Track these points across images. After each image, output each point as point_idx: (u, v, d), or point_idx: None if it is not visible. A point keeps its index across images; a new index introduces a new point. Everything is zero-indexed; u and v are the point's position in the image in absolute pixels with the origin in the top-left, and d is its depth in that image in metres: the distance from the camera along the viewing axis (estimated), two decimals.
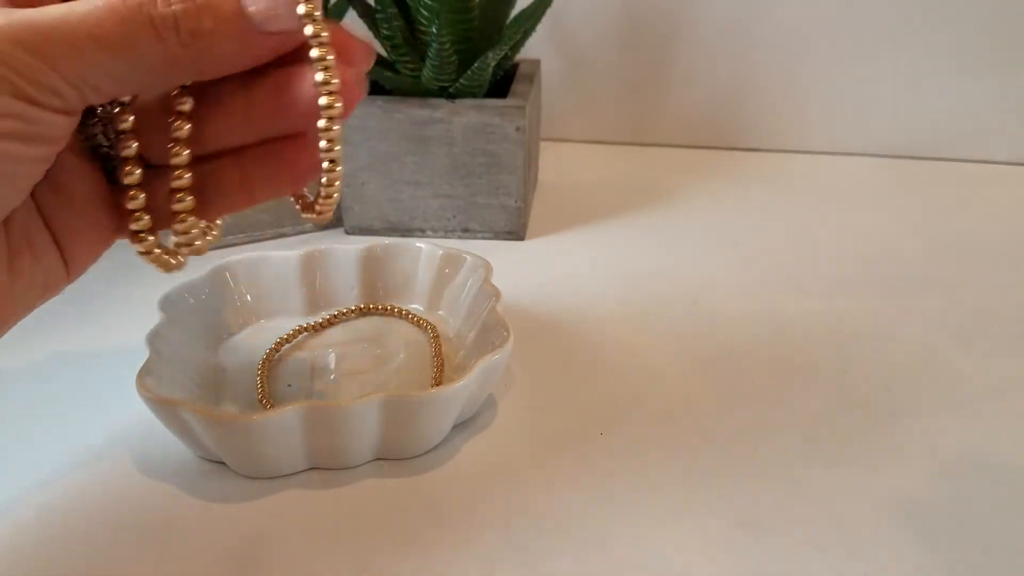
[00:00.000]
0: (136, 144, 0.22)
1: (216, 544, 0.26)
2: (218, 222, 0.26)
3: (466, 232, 0.46)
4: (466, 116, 0.43)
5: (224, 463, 0.29)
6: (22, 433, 0.31)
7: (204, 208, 0.24)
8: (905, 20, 0.55)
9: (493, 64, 0.42)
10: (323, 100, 0.21)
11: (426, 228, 0.46)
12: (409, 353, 0.35)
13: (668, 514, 0.27)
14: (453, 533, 0.26)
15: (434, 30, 0.40)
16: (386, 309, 0.38)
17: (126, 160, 0.22)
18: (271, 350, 0.34)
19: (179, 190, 0.23)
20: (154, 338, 0.30)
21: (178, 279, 0.34)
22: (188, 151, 0.22)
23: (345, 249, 0.38)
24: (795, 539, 0.26)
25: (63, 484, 0.28)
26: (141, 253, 0.24)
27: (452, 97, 0.44)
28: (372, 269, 0.38)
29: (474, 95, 0.44)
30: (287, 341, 0.35)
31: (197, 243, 0.24)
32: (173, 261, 0.24)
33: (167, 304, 0.33)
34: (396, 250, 0.38)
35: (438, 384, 0.32)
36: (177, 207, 0.23)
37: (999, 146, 0.58)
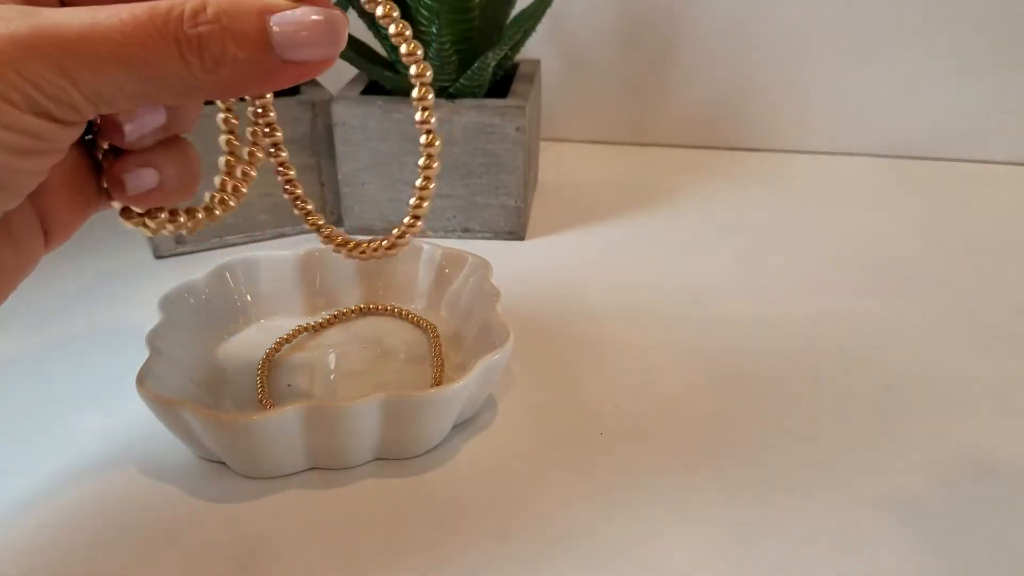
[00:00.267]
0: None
1: (216, 544, 0.26)
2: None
3: (466, 232, 0.46)
4: (466, 116, 0.43)
5: (224, 463, 0.29)
6: (22, 433, 0.31)
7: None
8: (905, 20, 0.55)
9: (493, 64, 0.42)
10: (422, 139, 0.24)
11: (426, 228, 0.46)
12: (409, 353, 0.35)
13: (668, 514, 0.27)
14: (453, 533, 0.26)
15: (434, 30, 0.40)
16: (386, 309, 0.38)
17: (107, 152, 0.23)
18: (271, 350, 0.34)
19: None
20: (154, 338, 0.30)
21: (178, 279, 0.34)
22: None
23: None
24: (795, 539, 0.26)
25: (63, 484, 0.28)
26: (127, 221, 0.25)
27: (452, 97, 0.44)
28: (372, 269, 0.38)
29: (474, 95, 0.44)
30: (287, 341, 0.35)
31: (169, 227, 0.25)
32: (159, 228, 0.25)
33: (167, 304, 0.33)
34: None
35: (438, 384, 0.32)
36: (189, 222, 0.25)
37: (999, 146, 0.58)
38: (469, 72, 0.42)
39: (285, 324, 0.36)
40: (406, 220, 0.27)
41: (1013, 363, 0.35)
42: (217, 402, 0.32)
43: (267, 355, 0.34)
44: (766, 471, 0.29)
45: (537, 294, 0.41)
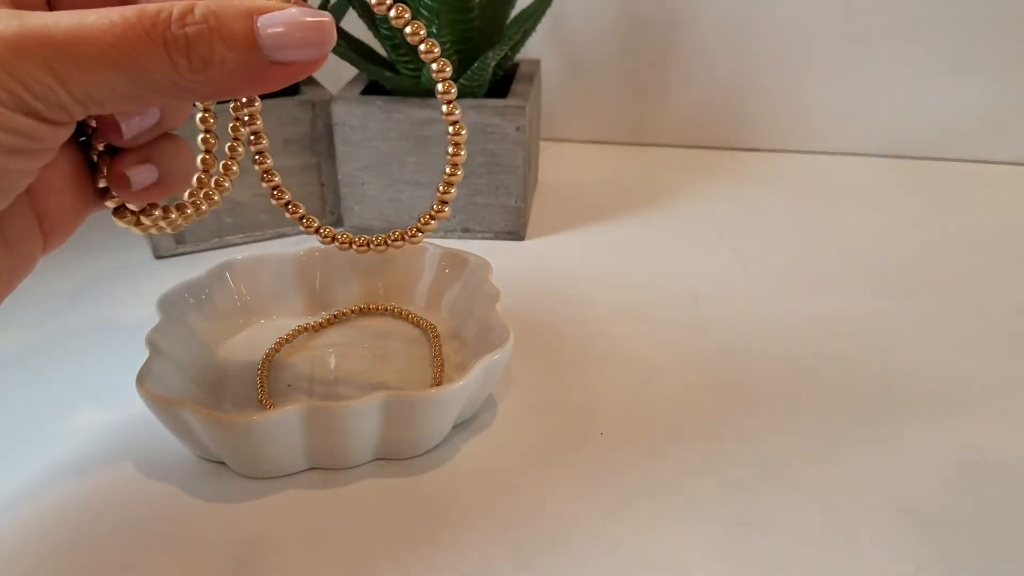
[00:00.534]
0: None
1: (216, 544, 0.26)
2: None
3: (466, 232, 0.46)
4: (466, 116, 0.43)
5: (224, 463, 0.29)
6: (21, 433, 0.31)
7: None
8: (905, 20, 0.55)
9: (493, 64, 0.42)
10: (450, 149, 0.27)
11: None
12: (409, 353, 0.35)
13: (668, 514, 0.27)
14: (453, 533, 0.26)
15: (434, 30, 0.40)
16: (386, 309, 0.38)
17: (102, 153, 0.23)
18: (271, 350, 0.34)
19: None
20: (154, 338, 0.30)
21: (178, 279, 0.34)
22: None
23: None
24: (795, 539, 0.26)
25: (63, 484, 0.28)
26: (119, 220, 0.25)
27: None
28: (372, 269, 0.38)
29: (474, 95, 0.44)
30: (287, 341, 0.35)
31: (162, 224, 0.25)
32: (153, 225, 0.25)
33: (167, 304, 0.33)
34: (396, 250, 0.38)
35: (438, 384, 0.32)
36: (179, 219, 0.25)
37: (999, 146, 0.58)
38: (469, 72, 0.42)
39: (285, 324, 0.36)
40: (434, 207, 0.28)
41: (1013, 363, 0.35)
42: (217, 402, 0.32)
43: (267, 355, 0.34)
44: (766, 471, 0.29)
45: (537, 294, 0.41)
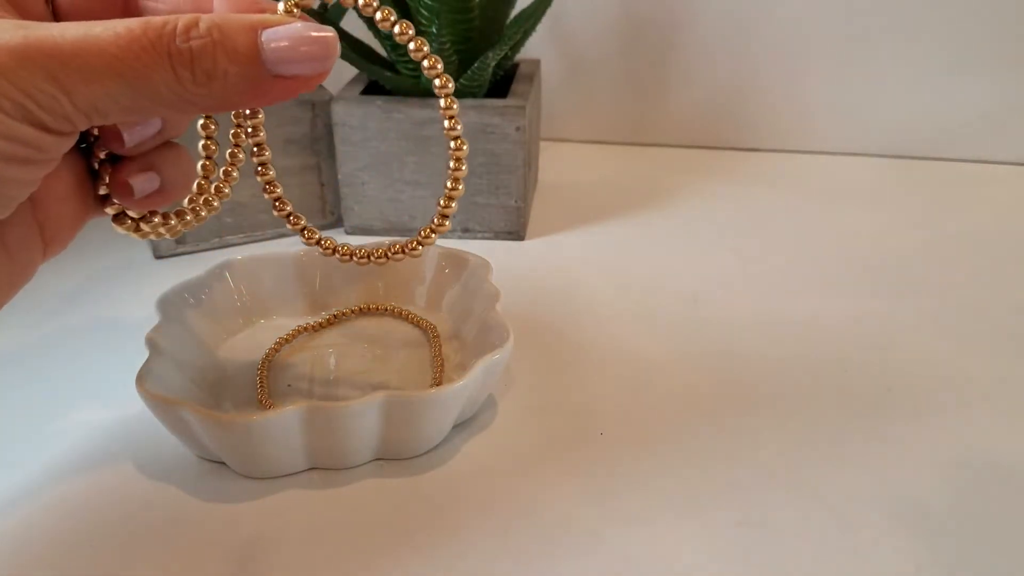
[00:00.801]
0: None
1: (216, 544, 0.26)
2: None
3: (466, 232, 0.46)
4: (466, 116, 0.43)
5: (224, 463, 0.29)
6: (21, 432, 0.31)
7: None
8: (905, 20, 0.55)
9: (493, 64, 0.42)
10: (451, 164, 0.27)
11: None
12: (409, 353, 0.35)
13: (668, 514, 0.27)
14: (453, 533, 0.26)
15: (434, 30, 0.40)
16: (386, 309, 0.38)
17: (103, 161, 0.24)
18: (271, 350, 0.34)
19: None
20: (154, 338, 0.30)
21: (178, 279, 0.34)
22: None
23: None
24: (795, 539, 0.26)
25: (63, 484, 0.28)
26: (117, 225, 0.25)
27: None
28: (372, 269, 0.38)
29: (474, 95, 0.44)
30: (287, 341, 0.35)
31: (161, 230, 0.26)
32: (152, 232, 0.26)
33: (167, 304, 0.33)
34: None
35: (438, 384, 0.32)
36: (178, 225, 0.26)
37: (999, 146, 0.58)
38: (469, 72, 0.42)
39: (285, 324, 0.36)
40: (435, 220, 0.28)
41: (1013, 363, 0.35)
42: (217, 402, 0.32)
43: (267, 355, 0.34)
44: (766, 471, 0.29)
45: (537, 294, 0.41)
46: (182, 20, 0.19)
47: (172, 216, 0.26)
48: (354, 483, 0.28)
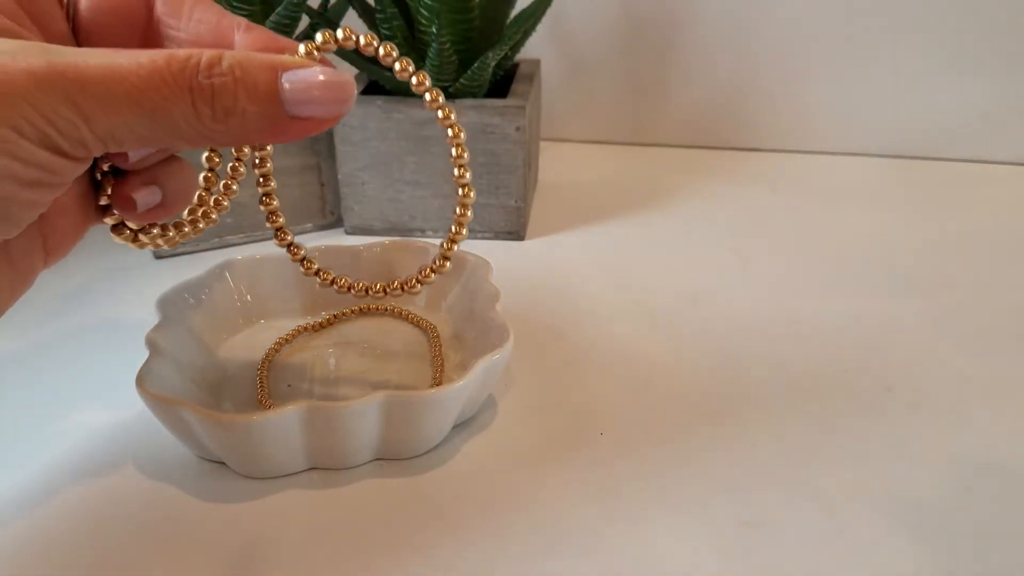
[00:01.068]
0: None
1: (216, 544, 0.26)
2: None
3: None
4: (466, 116, 0.43)
5: (224, 463, 0.29)
6: (21, 432, 0.31)
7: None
8: (905, 20, 0.55)
9: (493, 64, 0.42)
10: (453, 151, 0.28)
11: (426, 228, 0.46)
12: (409, 353, 0.35)
13: (668, 514, 0.27)
14: (453, 533, 0.26)
15: (434, 30, 0.40)
16: (386, 309, 0.38)
17: (106, 173, 0.24)
18: (271, 350, 0.34)
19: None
20: (154, 338, 0.30)
21: (178, 279, 0.34)
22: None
23: (345, 249, 0.38)
24: (795, 539, 0.26)
25: (63, 484, 0.28)
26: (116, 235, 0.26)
27: (452, 97, 0.44)
28: (372, 269, 0.38)
29: (474, 95, 0.44)
30: (287, 341, 0.35)
31: (159, 241, 0.26)
32: (151, 243, 0.26)
33: (167, 304, 0.33)
34: (396, 250, 0.38)
35: (438, 384, 0.32)
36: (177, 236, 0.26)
37: (999, 146, 0.58)
38: (469, 72, 0.42)
39: (285, 324, 0.36)
40: (436, 261, 0.30)
41: (1013, 363, 0.35)
42: (217, 402, 0.32)
43: (267, 355, 0.34)
44: (766, 471, 0.29)
45: (537, 294, 0.41)
46: (205, 56, 0.20)
47: (171, 228, 0.26)
48: (354, 483, 0.28)
